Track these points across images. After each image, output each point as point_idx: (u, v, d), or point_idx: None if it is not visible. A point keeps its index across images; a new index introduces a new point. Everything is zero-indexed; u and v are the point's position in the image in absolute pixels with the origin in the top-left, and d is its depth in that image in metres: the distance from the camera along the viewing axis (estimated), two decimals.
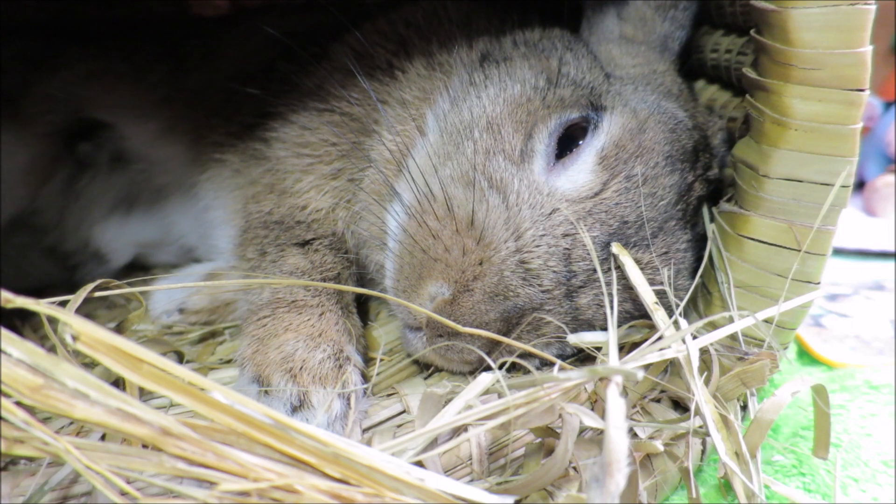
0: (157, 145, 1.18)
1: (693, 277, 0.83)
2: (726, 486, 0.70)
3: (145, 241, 1.32)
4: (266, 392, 0.72)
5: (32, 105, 1.14)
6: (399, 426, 0.75)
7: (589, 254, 0.74)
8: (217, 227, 1.09)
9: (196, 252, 1.25)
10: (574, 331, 0.75)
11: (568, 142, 0.79)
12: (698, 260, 0.85)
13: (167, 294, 1.02)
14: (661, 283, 0.77)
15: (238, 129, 1.06)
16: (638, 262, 0.76)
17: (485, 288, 0.71)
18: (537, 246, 0.73)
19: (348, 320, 0.84)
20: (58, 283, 1.26)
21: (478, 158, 0.78)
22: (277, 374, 0.73)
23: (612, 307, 0.69)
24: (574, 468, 0.63)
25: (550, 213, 0.75)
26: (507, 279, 0.71)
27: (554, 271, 0.73)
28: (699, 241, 0.86)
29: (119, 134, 1.20)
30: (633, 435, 0.69)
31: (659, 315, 0.70)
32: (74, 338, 0.36)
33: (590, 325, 0.77)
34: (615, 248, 0.75)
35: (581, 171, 0.77)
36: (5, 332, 0.38)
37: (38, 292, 1.31)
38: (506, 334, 0.73)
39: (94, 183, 1.25)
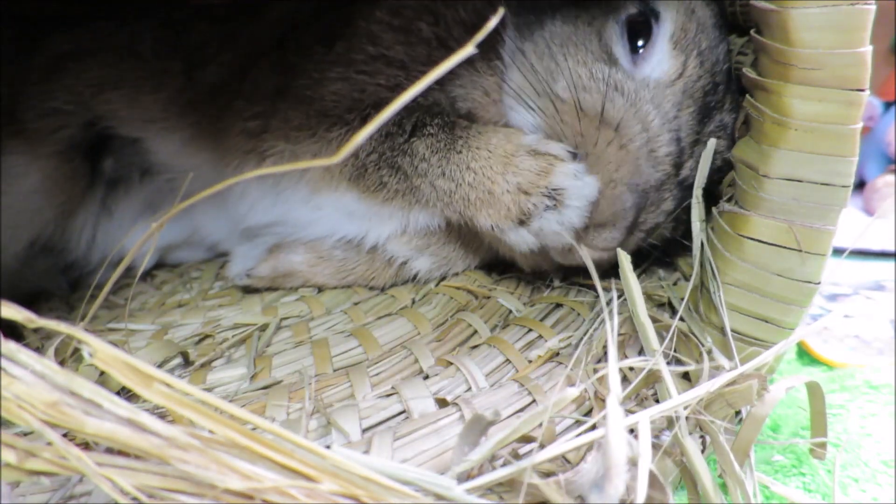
0: (183, 155, 1.16)
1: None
2: (724, 486, 0.70)
3: (169, 243, 1.34)
4: (524, 195, 0.82)
5: (36, 119, 1.09)
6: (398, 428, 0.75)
7: (688, 132, 0.85)
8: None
9: (222, 246, 1.34)
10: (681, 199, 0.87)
11: (633, 37, 0.86)
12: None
13: (243, 261, 1.17)
14: (735, 138, 0.86)
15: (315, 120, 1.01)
16: (722, 125, 0.87)
17: (624, 176, 0.81)
18: (660, 136, 0.82)
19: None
20: (52, 285, 1.25)
21: (582, 69, 0.85)
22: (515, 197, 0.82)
23: (614, 338, 0.67)
24: None
25: (660, 103, 0.82)
26: (641, 166, 0.81)
27: (672, 156, 0.83)
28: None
29: (145, 147, 1.18)
30: (631, 431, 0.68)
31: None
32: (91, 354, 0.38)
33: (689, 187, 0.86)
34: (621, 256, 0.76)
35: (662, 59, 0.84)
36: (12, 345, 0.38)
37: (33, 297, 1.28)
38: (635, 223, 0.84)
39: (126, 198, 1.25)
